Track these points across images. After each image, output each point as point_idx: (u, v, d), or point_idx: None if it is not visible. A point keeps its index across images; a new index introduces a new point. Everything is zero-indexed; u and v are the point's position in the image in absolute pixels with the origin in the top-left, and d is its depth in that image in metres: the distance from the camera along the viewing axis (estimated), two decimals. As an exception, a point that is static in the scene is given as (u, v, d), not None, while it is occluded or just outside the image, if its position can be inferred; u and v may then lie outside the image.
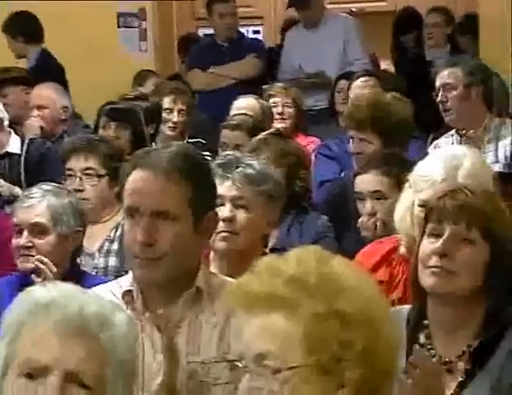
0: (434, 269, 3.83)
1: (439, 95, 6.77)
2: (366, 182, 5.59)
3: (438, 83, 6.85)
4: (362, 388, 2.78)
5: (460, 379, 3.82)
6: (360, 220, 5.38)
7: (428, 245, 3.79)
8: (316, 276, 2.82)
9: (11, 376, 2.94)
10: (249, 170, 5.01)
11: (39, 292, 3.01)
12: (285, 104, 8.61)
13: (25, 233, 5.49)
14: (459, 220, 3.92)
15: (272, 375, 2.79)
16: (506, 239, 4.01)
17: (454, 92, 6.76)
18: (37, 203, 5.73)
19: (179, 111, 8.75)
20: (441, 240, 3.77)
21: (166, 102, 8.71)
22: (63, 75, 9.60)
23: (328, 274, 2.87)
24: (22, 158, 7.98)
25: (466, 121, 6.64)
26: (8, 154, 8.04)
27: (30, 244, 5.56)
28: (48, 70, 9.83)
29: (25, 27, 11.02)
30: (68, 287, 3.05)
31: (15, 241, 5.63)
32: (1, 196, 7.08)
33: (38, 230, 5.65)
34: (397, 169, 5.19)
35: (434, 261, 3.85)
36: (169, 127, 8.63)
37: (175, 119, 8.70)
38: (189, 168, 4.01)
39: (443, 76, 6.87)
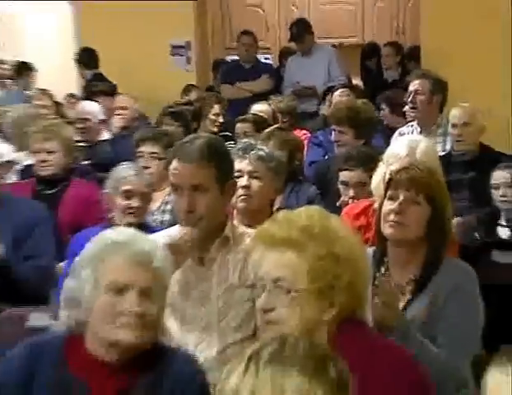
0: (391, 222, 3.65)
1: (411, 97, 6.76)
2: (351, 176, 5.37)
3: (411, 88, 6.83)
4: (345, 308, 2.75)
5: (408, 297, 3.65)
6: (341, 199, 5.30)
7: (388, 206, 3.67)
8: (319, 227, 2.78)
9: (100, 294, 2.88)
10: (261, 152, 4.75)
11: (113, 234, 3.01)
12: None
13: (136, 197, 5.21)
14: (410, 188, 3.71)
15: (284, 294, 2.73)
16: (442, 205, 3.84)
17: (422, 97, 6.70)
18: (137, 173, 5.37)
19: (223, 115, 8.33)
20: (397, 203, 3.66)
21: (216, 108, 8.38)
22: (114, 89, 9.53)
23: (327, 226, 2.83)
24: (111, 148, 7.68)
25: (426, 118, 6.70)
26: (99, 141, 7.64)
27: (137, 205, 5.24)
28: (97, 86, 9.65)
29: (85, 58, 10.99)
30: (133, 231, 3.10)
31: (124, 203, 5.22)
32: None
33: (139, 193, 5.28)
34: (372, 165, 4.92)
35: (391, 217, 3.67)
36: (216, 125, 8.25)
37: (221, 120, 8.31)
38: (213, 153, 3.82)
39: (414, 84, 6.79)
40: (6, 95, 10.70)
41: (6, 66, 11.83)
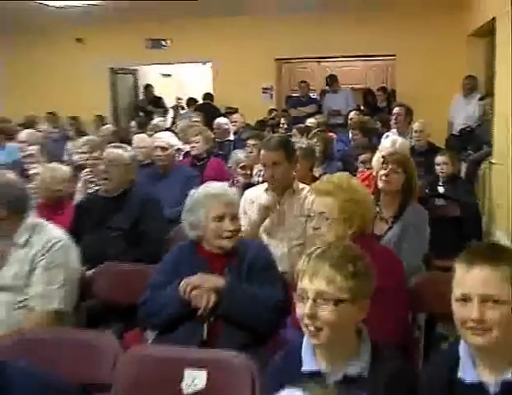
0: (383, 180, 3.63)
1: (395, 116, 6.82)
2: (364, 157, 5.21)
3: (394, 111, 6.91)
4: (358, 229, 2.70)
5: (389, 226, 3.52)
6: (360, 170, 5.12)
7: (381, 171, 3.69)
8: (346, 183, 2.79)
9: (209, 222, 2.80)
10: (301, 145, 4.72)
11: (211, 188, 2.93)
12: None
13: (247, 169, 5.11)
14: (393, 163, 3.66)
15: (325, 221, 2.70)
16: (411, 173, 3.70)
17: (400, 117, 6.79)
18: (246, 156, 5.31)
19: (288, 125, 8.50)
20: (386, 171, 3.64)
21: (284, 121, 8.70)
22: (236, 110, 9.67)
23: (350, 183, 2.82)
24: (232, 143, 7.63)
25: (402, 128, 6.74)
26: (225, 140, 7.67)
27: (247, 173, 5.07)
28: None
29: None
30: (223, 185, 3.00)
31: (240, 172, 5.04)
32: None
33: (248, 167, 5.12)
34: (373, 151, 4.93)
35: (383, 178, 3.64)
36: (285, 129, 8.33)
37: (286, 127, 8.41)
38: (284, 144, 3.75)
39: (396, 110, 6.91)
40: (182, 115, 11.48)
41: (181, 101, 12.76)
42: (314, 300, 1.83)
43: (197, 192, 3.00)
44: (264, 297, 2.74)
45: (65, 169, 4.75)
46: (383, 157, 3.90)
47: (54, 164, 4.83)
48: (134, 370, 2.26)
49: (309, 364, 1.88)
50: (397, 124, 6.71)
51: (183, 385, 2.17)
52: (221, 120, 7.89)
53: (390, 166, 3.69)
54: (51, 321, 2.89)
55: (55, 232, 3.07)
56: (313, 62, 12.44)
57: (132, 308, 3.09)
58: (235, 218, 2.89)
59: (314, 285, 1.83)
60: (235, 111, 9.67)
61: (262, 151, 3.80)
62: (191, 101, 11.70)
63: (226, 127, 7.67)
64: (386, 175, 3.66)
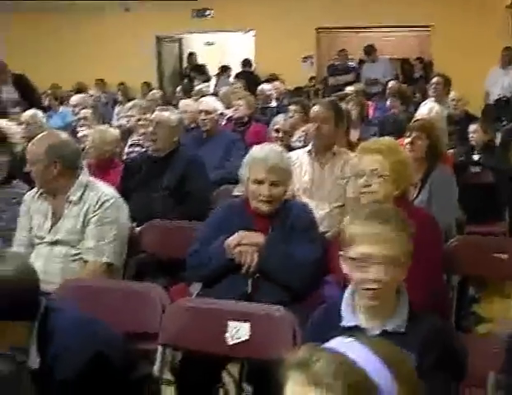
0: (407, 147, 3.65)
1: (433, 85, 6.62)
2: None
3: (433, 81, 6.70)
4: (402, 190, 2.68)
5: (418, 191, 3.56)
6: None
7: (405, 140, 3.74)
8: (394, 145, 2.78)
9: (250, 183, 2.82)
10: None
11: (258, 150, 2.91)
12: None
13: (283, 132, 4.96)
14: (416, 130, 3.73)
15: (377, 178, 2.65)
16: (435, 139, 3.75)
17: (439, 86, 6.59)
18: (285, 118, 5.13)
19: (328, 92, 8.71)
20: (409, 139, 3.70)
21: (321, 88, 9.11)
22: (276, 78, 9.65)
23: (396, 145, 2.83)
24: (275, 109, 7.46)
25: (441, 96, 6.51)
26: (267, 106, 7.50)
27: (284, 136, 4.97)
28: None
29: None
30: (268, 148, 2.98)
31: (274, 135, 4.91)
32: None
33: (284, 131, 4.95)
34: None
35: (407, 146, 3.68)
36: (324, 96, 8.23)
37: (325, 95, 8.55)
38: (333, 106, 3.81)
39: (434, 80, 6.70)
40: (220, 81, 11.18)
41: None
42: (378, 264, 1.80)
43: (250, 151, 3.02)
44: (303, 256, 2.72)
45: (114, 131, 4.85)
46: (408, 125, 3.91)
47: (104, 126, 4.92)
48: (180, 321, 2.30)
49: (348, 319, 1.88)
50: (435, 93, 6.61)
51: (227, 336, 2.20)
52: (264, 86, 7.87)
53: (414, 133, 3.68)
54: (103, 273, 2.96)
55: (106, 190, 3.13)
56: (352, 33, 12.33)
57: (177, 263, 3.17)
58: (275, 184, 2.84)
59: (378, 249, 1.80)
60: (277, 78, 9.64)
61: (315, 107, 3.84)
62: (224, 69, 11.68)
63: (269, 92, 7.61)
64: (410, 143, 3.65)
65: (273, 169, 2.84)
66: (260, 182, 2.82)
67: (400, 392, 1.04)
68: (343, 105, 5.00)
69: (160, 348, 2.28)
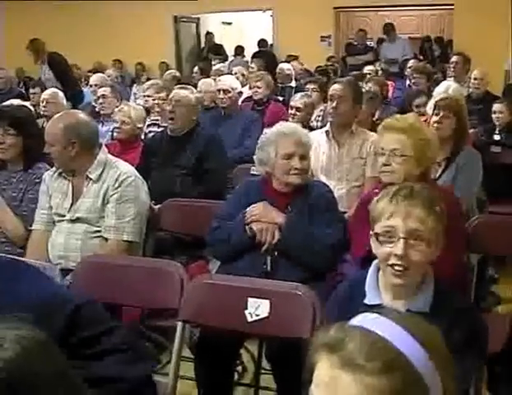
0: (435, 125, 3.55)
1: (453, 64, 6.68)
2: (421, 101, 5.01)
3: (452, 60, 6.75)
4: (424, 169, 2.64)
5: (443, 168, 3.50)
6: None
7: (434, 118, 3.64)
8: (418, 123, 2.73)
9: (278, 159, 2.82)
10: (368, 88, 5.13)
11: (282, 127, 2.95)
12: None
13: (302, 111, 4.90)
14: (445, 109, 3.61)
15: (398, 157, 2.61)
16: (462, 118, 3.63)
17: (459, 65, 6.62)
18: (301, 97, 5.07)
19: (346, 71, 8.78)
20: (437, 118, 3.59)
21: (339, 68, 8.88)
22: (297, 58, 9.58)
23: (421, 124, 2.78)
24: (294, 89, 7.28)
25: (460, 75, 6.52)
26: (286, 86, 7.39)
27: (303, 115, 5.04)
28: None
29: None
30: (293, 125, 3.07)
31: (292, 112, 4.93)
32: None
33: (302, 109, 4.95)
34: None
35: (435, 125, 3.58)
36: (342, 76, 8.04)
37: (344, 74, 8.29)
38: (350, 84, 3.82)
39: (454, 58, 6.73)
40: (233, 62, 11.13)
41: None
42: (405, 240, 1.77)
43: (269, 131, 3.03)
44: (323, 236, 2.72)
45: (141, 109, 4.83)
46: (435, 103, 3.80)
47: (131, 103, 4.95)
48: (200, 297, 2.29)
49: (372, 297, 1.87)
50: (454, 72, 6.58)
51: (247, 313, 2.18)
52: (284, 65, 7.83)
53: (442, 112, 3.61)
54: (123, 251, 2.96)
55: (126, 168, 3.12)
56: (370, 12, 12.28)
57: (195, 241, 3.22)
58: (303, 158, 2.89)
59: (408, 225, 1.77)
60: (295, 58, 9.58)
61: (333, 86, 3.85)
62: (239, 49, 11.70)
63: (289, 72, 7.57)
64: (438, 122, 3.58)
65: (301, 142, 2.89)
66: (290, 156, 2.84)
67: (435, 369, 1.00)
68: (363, 85, 5.04)
69: (179, 324, 2.26)
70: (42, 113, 5.23)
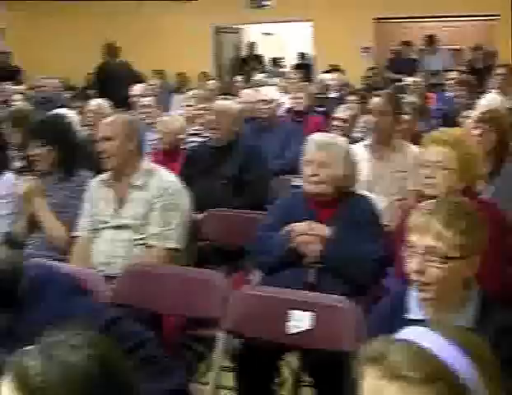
0: (476, 139, 3.43)
1: (496, 77, 6.39)
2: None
3: (497, 71, 6.43)
4: (468, 183, 2.62)
5: (485, 184, 3.39)
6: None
7: (473, 133, 3.53)
8: (464, 137, 2.72)
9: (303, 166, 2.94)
10: (413, 100, 5.10)
11: (317, 135, 2.95)
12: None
13: (341, 121, 4.93)
14: (485, 122, 3.52)
15: (441, 170, 2.55)
16: (503, 132, 3.54)
17: (503, 77, 6.35)
18: (344, 110, 5.12)
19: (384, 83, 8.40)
20: (477, 131, 3.48)
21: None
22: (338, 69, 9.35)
23: (468, 137, 2.82)
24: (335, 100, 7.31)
25: (504, 88, 6.19)
26: (329, 97, 7.40)
27: (344, 125, 4.91)
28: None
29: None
30: (330, 134, 3.14)
31: (336, 123, 5.02)
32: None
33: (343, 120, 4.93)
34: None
35: (476, 138, 3.41)
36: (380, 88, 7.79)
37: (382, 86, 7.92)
38: (391, 98, 3.79)
39: (499, 70, 6.43)
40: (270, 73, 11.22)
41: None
42: (422, 256, 1.76)
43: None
44: (367, 251, 2.68)
45: (182, 119, 4.89)
46: (476, 117, 3.76)
47: (173, 113, 5.02)
48: (244, 308, 2.31)
49: (414, 312, 1.85)
50: (499, 84, 6.38)
51: (289, 325, 2.19)
52: (325, 75, 7.94)
53: (482, 126, 3.56)
54: (167, 259, 2.98)
55: (170, 177, 3.17)
56: (411, 23, 12.14)
57: (236, 251, 3.18)
58: (323, 166, 2.79)
59: (424, 240, 1.76)
60: (337, 69, 9.50)
61: (374, 99, 3.80)
62: (279, 60, 11.87)
63: (330, 83, 7.55)
64: (479, 135, 3.51)
65: (321, 147, 2.82)
66: (309, 162, 2.82)
67: (481, 379, 1.00)
68: (405, 97, 4.97)
69: (221, 334, 2.29)
70: (87, 122, 5.18)
